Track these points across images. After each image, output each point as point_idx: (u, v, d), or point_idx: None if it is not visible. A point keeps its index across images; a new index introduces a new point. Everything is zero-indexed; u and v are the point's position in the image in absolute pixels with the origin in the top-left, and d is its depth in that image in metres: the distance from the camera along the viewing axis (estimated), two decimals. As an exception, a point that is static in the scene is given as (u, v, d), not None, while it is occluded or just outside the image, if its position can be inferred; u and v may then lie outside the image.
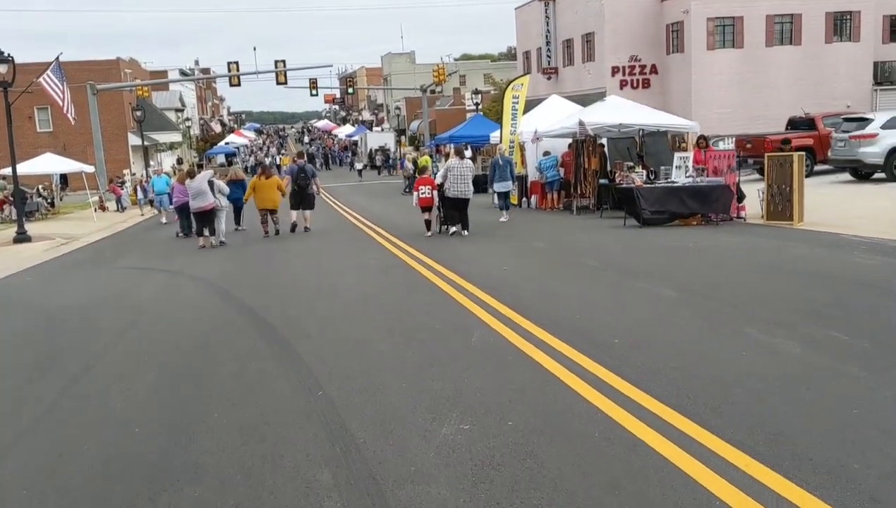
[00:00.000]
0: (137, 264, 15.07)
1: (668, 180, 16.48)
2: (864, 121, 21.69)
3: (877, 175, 21.35)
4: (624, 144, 21.04)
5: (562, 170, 21.06)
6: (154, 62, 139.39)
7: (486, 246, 14.29)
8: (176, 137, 67.39)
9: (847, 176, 22.52)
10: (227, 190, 18.11)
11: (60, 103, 21.40)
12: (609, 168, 19.56)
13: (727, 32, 35.75)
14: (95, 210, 32.18)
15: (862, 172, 21.77)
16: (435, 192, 15.88)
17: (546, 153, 21.34)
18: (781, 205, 15.16)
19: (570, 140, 20.93)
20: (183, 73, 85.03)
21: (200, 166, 57.76)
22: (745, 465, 3.92)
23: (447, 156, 37.79)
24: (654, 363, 5.84)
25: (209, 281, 11.68)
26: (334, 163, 68.96)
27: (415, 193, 16.52)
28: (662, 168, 17.67)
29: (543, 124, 21.91)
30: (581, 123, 19.17)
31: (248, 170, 48.99)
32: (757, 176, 22.46)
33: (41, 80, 20.90)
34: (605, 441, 4.38)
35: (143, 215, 27.70)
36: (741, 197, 16.28)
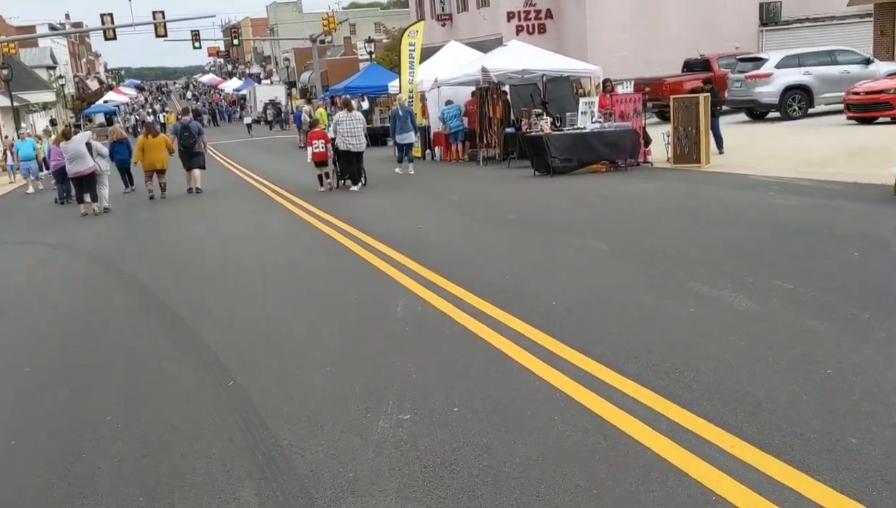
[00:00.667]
0: (10, 238, 13.61)
1: (575, 127, 16.14)
2: (758, 61, 21.99)
3: (771, 114, 21.76)
4: (527, 91, 20.55)
5: (465, 120, 20.46)
6: (20, 16, 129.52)
7: (397, 201, 13.62)
8: (49, 97, 62.61)
9: (743, 116, 22.88)
10: (105, 151, 16.64)
11: None
12: (513, 116, 19.12)
13: (620, -25, 35.61)
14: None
15: (757, 112, 22.16)
16: (329, 146, 15.49)
17: (448, 102, 20.65)
18: (688, 147, 15.06)
19: (472, 88, 20.36)
20: (52, 27, 78.91)
21: (78, 127, 54.14)
22: (730, 447, 3.47)
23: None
24: (601, 327, 5.38)
25: (93, 255, 10.55)
26: (222, 119, 66.04)
27: (308, 148, 15.98)
28: (568, 114, 17.33)
29: (444, 72, 21.18)
30: (484, 70, 18.58)
31: (131, 131, 46.16)
32: (656, 119, 22.63)
33: None
34: (570, 428, 3.86)
35: (12, 182, 25.39)
36: (647, 141, 16.14)
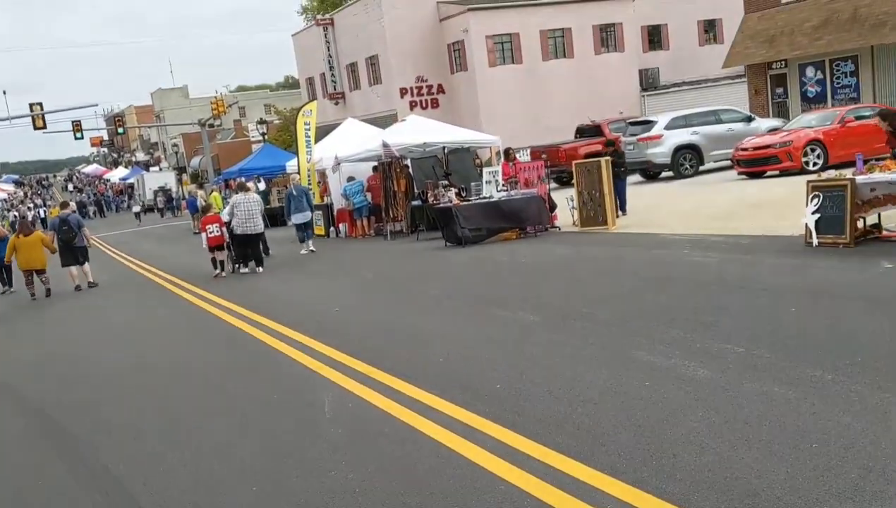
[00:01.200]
0: None
1: (481, 196, 16.03)
2: (648, 124, 22.76)
3: (664, 173, 22.44)
4: (428, 163, 20.50)
5: (369, 195, 20.12)
6: None
7: (307, 283, 12.96)
8: (-86, 197, 58.74)
9: (637, 177, 23.51)
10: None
11: None
12: (417, 189, 18.93)
13: (506, 49, 36.75)
14: None
15: (651, 172, 22.80)
16: (224, 229, 15.14)
17: (350, 179, 20.29)
18: (594, 210, 15.13)
19: (373, 163, 20.11)
20: (-84, 123, 74.55)
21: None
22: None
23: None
24: (557, 411, 4.91)
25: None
26: (109, 209, 63.48)
27: (203, 233, 15.46)
28: (473, 184, 17.26)
29: (343, 149, 20.86)
30: (385, 145, 18.36)
31: (10, 228, 43.52)
32: (555, 184, 22.96)
33: None
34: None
35: None
36: (553, 206, 16.18)
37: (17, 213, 56.58)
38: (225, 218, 15.37)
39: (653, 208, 16.60)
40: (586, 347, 6.38)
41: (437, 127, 20.64)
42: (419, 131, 19.52)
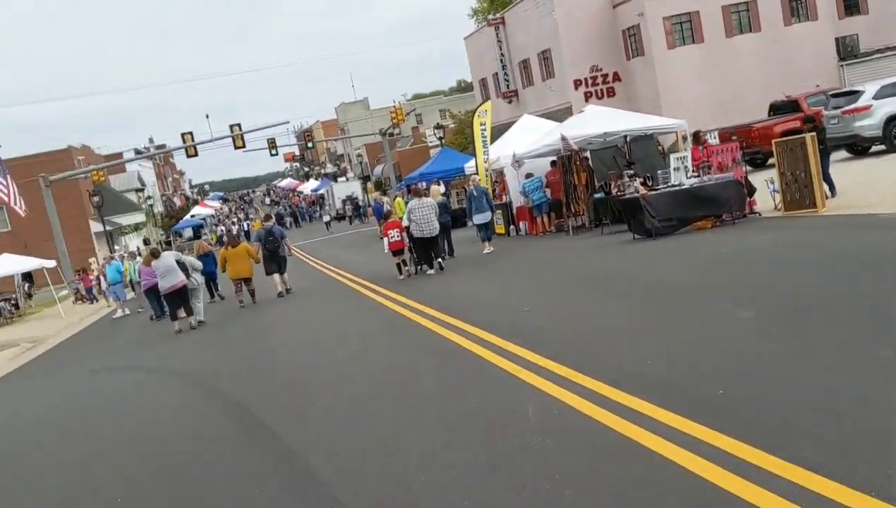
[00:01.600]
0: (110, 363, 13.39)
1: (669, 184, 15.22)
2: (853, 95, 20.68)
3: (874, 147, 20.31)
4: (608, 154, 19.85)
5: (548, 191, 19.79)
6: (108, 146, 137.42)
7: (491, 283, 12.85)
8: (139, 218, 65.57)
9: (844, 153, 21.44)
10: (199, 265, 16.60)
11: (5, 197, 19.72)
12: (597, 181, 18.36)
13: (685, 29, 35.02)
14: (74, 302, 30.31)
15: (859, 147, 20.72)
16: (404, 234, 15.75)
17: (529, 175, 20.07)
18: (799, 192, 13.87)
19: (552, 158, 19.76)
20: (138, 151, 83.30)
21: (169, 244, 55.94)
22: None
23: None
24: (796, 421, 4.35)
25: (191, 376, 10.06)
26: (303, 219, 67.47)
27: (384, 239, 16.22)
28: (659, 172, 16.44)
29: (521, 146, 20.69)
30: (563, 138, 17.94)
31: (220, 241, 47.45)
32: (749, 167, 21.42)
33: (-21, 177, 19.26)
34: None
35: (109, 306, 25.77)
36: (752, 190, 15.02)
37: (223, 228, 61.56)
38: (404, 222, 15.91)
39: (864, 186, 15.02)
40: (816, 349, 5.69)
41: (616, 115, 19.92)
42: (598, 121, 18.92)
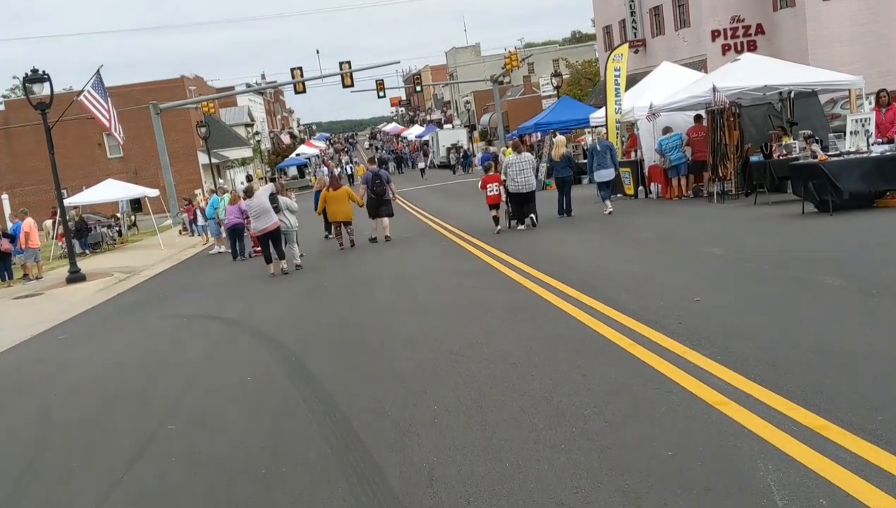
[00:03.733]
0: (189, 310, 12.16)
1: (845, 151, 12.69)
2: None
3: None
4: (759, 112, 17.28)
5: (688, 150, 17.37)
6: (220, 79, 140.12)
7: (636, 255, 10.82)
8: (246, 153, 65.80)
9: None
10: (295, 206, 15.26)
11: (105, 122, 18.86)
12: (744, 142, 15.85)
13: (846, -23, 31.05)
14: (180, 233, 29.95)
15: None
16: (502, 188, 15.68)
17: (667, 130, 17.68)
18: None
19: (694, 113, 17.33)
20: (248, 86, 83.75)
21: (272, 180, 56.00)
22: None
23: (532, 147, 34.36)
24: None
25: (273, 338, 8.56)
26: (406, 165, 66.20)
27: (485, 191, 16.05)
28: (831, 136, 13.91)
29: (658, 97, 18.26)
30: (715, 89, 15.45)
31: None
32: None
33: (81, 97, 18.38)
34: None
35: (206, 242, 24.98)
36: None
37: (326, 169, 61.13)
38: (501, 177, 15.67)
39: None
40: None
41: (777, 66, 17.19)
42: (757, 72, 16.29)
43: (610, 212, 16.24)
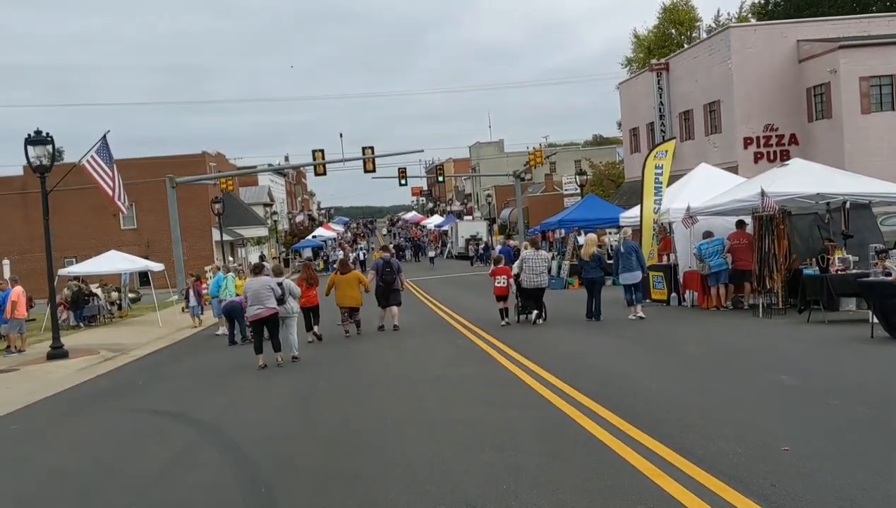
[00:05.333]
0: (163, 404, 10.60)
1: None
2: None
3: None
4: (805, 222, 15.98)
5: (728, 257, 15.98)
6: (244, 158, 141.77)
7: (684, 372, 9.26)
8: (262, 232, 65.08)
9: None
10: (298, 291, 13.89)
11: (108, 190, 17.77)
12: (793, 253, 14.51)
13: (885, 93, 30.26)
14: (182, 310, 28.52)
15: None
16: (511, 282, 15.76)
17: (707, 235, 16.34)
18: None
19: (736, 218, 16.06)
20: (270, 165, 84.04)
21: (287, 262, 54.79)
22: None
23: (553, 243, 33.13)
24: None
25: (246, 457, 6.99)
26: (423, 254, 65.16)
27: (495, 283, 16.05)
28: (893, 252, 12.50)
29: (696, 200, 16.99)
30: (764, 194, 14.18)
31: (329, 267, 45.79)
32: None
33: (83, 162, 17.38)
34: None
35: (195, 326, 22.88)
36: None
37: (341, 252, 60.25)
38: (515, 270, 15.70)
39: None
40: None
41: (829, 174, 15.93)
42: (808, 178, 15.03)
43: (641, 317, 15.00)
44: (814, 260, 13.31)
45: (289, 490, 5.72)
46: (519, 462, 5.85)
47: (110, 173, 17.79)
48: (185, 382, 12.41)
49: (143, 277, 37.52)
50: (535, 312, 15.43)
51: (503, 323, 15.46)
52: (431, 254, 54.21)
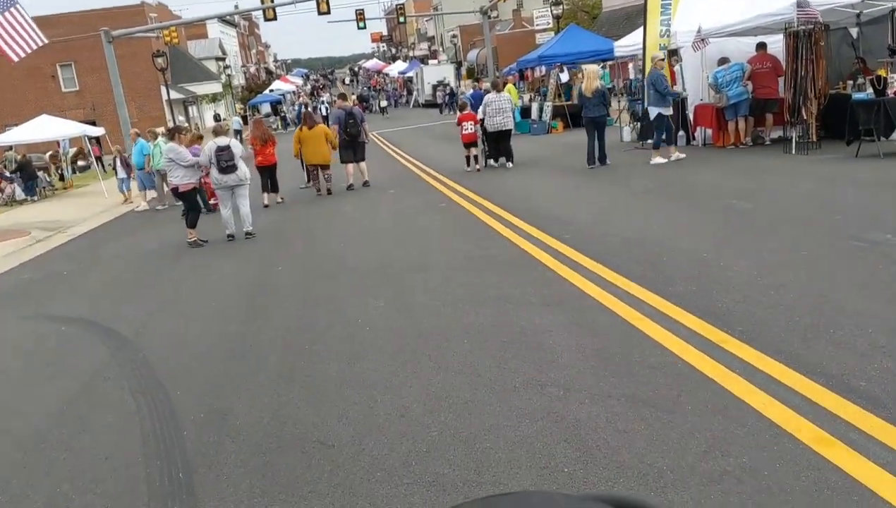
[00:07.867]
0: (80, 308, 8.43)
1: None
2: None
3: None
4: (834, 39, 13.77)
5: (749, 85, 13.71)
6: (189, 9, 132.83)
7: (746, 240, 7.27)
8: (217, 88, 60.85)
9: None
10: (245, 152, 11.59)
11: None
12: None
13: None
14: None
15: None
16: (477, 127, 15.49)
17: (723, 61, 13.96)
18: None
19: (757, 39, 13.70)
20: (221, 18, 78.07)
21: (244, 118, 51.42)
22: None
23: (532, 83, 30.48)
24: None
25: (169, 396, 4.97)
26: (389, 104, 61.77)
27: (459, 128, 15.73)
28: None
29: (708, 19, 14.41)
30: (800, 4, 11.72)
31: (294, 122, 42.78)
32: None
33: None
34: None
35: (126, 200, 19.70)
36: None
37: (302, 106, 56.54)
38: (479, 115, 15.29)
39: None
40: None
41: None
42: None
43: (661, 163, 12.94)
44: (862, 81, 11.10)
45: (220, 462, 3.71)
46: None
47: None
48: (117, 271, 10.23)
49: (95, 143, 34.35)
50: (502, 159, 15.48)
51: (468, 169, 15.48)
52: (384, 103, 52.24)
